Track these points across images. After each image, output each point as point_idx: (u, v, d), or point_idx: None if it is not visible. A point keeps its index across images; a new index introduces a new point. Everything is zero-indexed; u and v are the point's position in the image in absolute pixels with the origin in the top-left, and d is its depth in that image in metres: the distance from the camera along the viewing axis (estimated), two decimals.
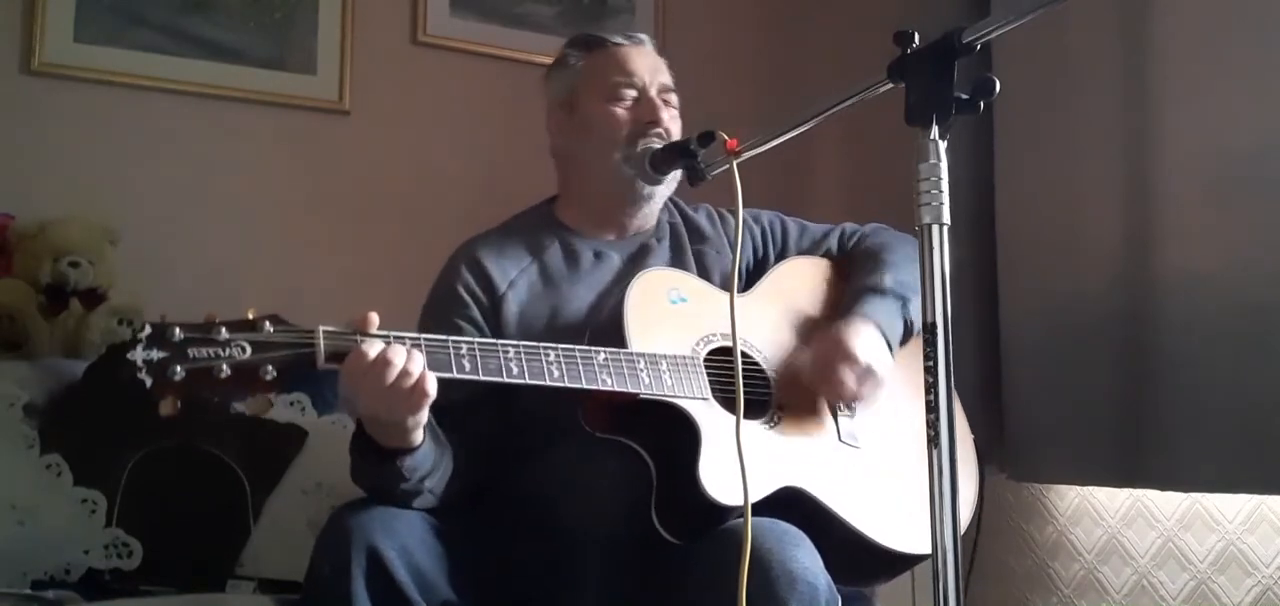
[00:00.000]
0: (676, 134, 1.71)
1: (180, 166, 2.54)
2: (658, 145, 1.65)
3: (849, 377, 1.56)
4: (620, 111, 1.69)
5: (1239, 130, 1.95)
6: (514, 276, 1.65)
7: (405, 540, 1.38)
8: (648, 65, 1.72)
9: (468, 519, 1.52)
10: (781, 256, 1.80)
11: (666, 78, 1.75)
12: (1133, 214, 2.12)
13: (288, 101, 2.65)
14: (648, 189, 1.68)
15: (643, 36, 1.78)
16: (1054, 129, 2.26)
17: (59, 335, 2.23)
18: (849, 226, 1.87)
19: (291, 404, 2.20)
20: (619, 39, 1.75)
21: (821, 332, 1.63)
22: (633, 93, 1.70)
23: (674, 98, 1.74)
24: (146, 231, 2.39)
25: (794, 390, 1.61)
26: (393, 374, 1.26)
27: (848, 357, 1.56)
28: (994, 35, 1.10)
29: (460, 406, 1.50)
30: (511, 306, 1.61)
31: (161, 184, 2.51)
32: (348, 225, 2.65)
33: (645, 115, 1.68)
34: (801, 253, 1.82)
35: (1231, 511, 2.07)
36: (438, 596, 1.40)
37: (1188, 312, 1.99)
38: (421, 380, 1.28)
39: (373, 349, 1.26)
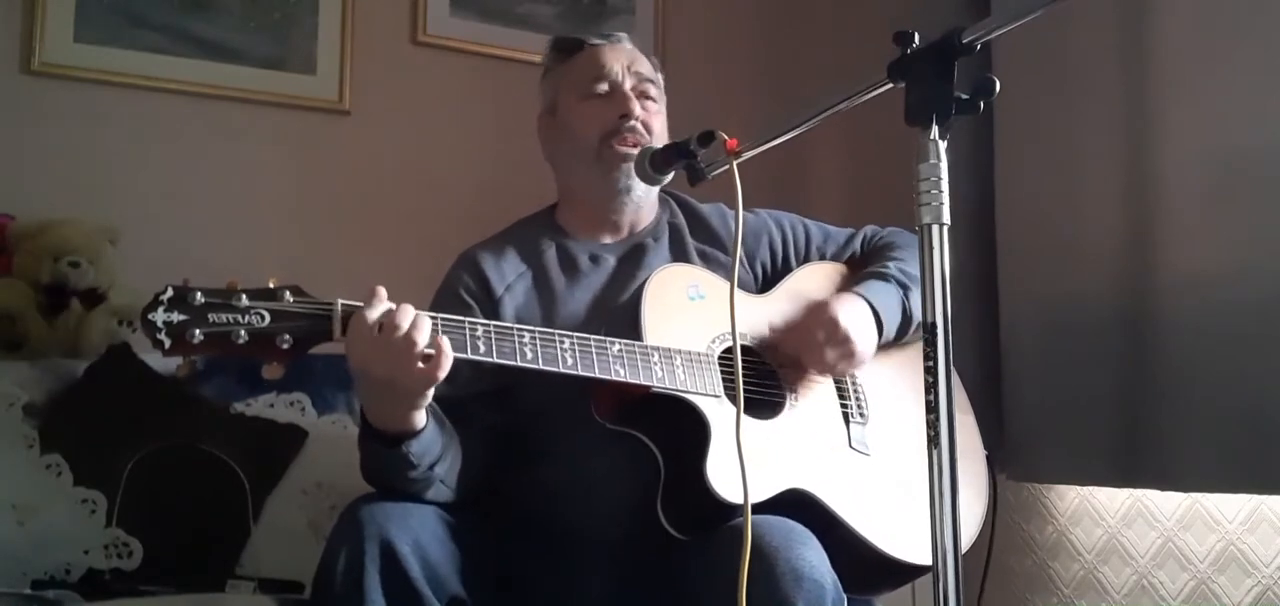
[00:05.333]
0: (657, 126, 1.71)
1: (180, 166, 2.54)
2: (632, 140, 1.65)
3: (820, 337, 1.56)
4: (591, 107, 1.69)
5: (1239, 130, 1.95)
6: (511, 281, 1.66)
7: (418, 534, 1.39)
8: (622, 60, 1.72)
9: (478, 516, 1.52)
10: (803, 260, 1.80)
11: (645, 69, 1.74)
12: (1133, 214, 2.11)
13: (288, 101, 2.65)
14: (625, 181, 1.67)
15: (620, 35, 1.77)
16: (1054, 129, 2.26)
17: (59, 335, 2.23)
18: (871, 228, 1.87)
19: (291, 404, 2.20)
20: (595, 39, 1.74)
21: (810, 306, 1.63)
22: (604, 87, 1.69)
23: (654, 89, 1.73)
24: (146, 231, 2.39)
25: (806, 393, 1.61)
26: (399, 333, 1.27)
27: (826, 323, 1.57)
28: (994, 35, 1.10)
29: (469, 401, 1.51)
30: (508, 310, 1.62)
31: (161, 184, 2.51)
32: (347, 225, 2.65)
33: (618, 109, 1.68)
34: (824, 256, 1.82)
35: (1231, 511, 2.07)
36: (448, 591, 1.41)
37: (1188, 313, 1.99)
38: (438, 351, 1.28)
39: (378, 310, 1.28)
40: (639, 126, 1.67)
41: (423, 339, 1.28)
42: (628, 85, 1.70)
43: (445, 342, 1.30)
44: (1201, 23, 2.00)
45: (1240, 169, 1.94)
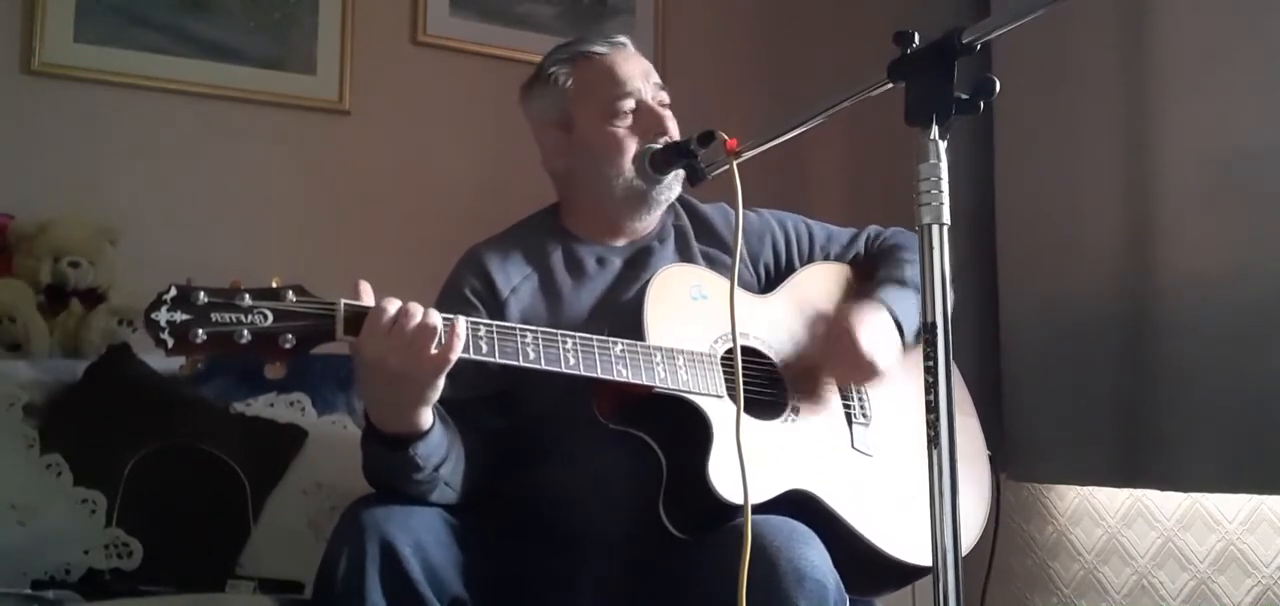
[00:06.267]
0: (676, 133, 1.68)
1: (180, 166, 2.54)
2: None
3: (849, 354, 1.56)
4: (623, 128, 1.66)
5: (1239, 130, 1.95)
6: (517, 282, 1.65)
7: (419, 536, 1.39)
8: (639, 70, 1.69)
9: (480, 517, 1.52)
10: (807, 260, 1.80)
11: (656, 76, 1.72)
12: (1133, 214, 2.12)
13: (288, 101, 2.65)
14: (661, 193, 1.67)
15: (623, 40, 1.73)
16: (1054, 129, 2.27)
17: (59, 335, 2.24)
18: (873, 229, 1.86)
19: (291, 404, 2.20)
20: (601, 47, 1.70)
21: (834, 318, 1.62)
22: (630, 104, 1.66)
23: (665, 94, 1.71)
24: (146, 231, 2.39)
25: (810, 394, 1.61)
26: (413, 322, 1.28)
27: (850, 337, 1.56)
28: (994, 35, 1.10)
29: (472, 404, 1.51)
30: (513, 311, 1.61)
31: (161, 184, 2.51)
32: (347, 225, 2.65)
33: (651, 127, 1.65)
34: (827, 256, 1.81)
35: (1231, 511, 2.07)
36: (449, 592, 1.41)
37: (1188, 313, 1.99)
38: (451, 333, 1.29)
39: (392, 304, 1.29)
40: (671, 138, 1.65)
41: (434, 324, 1.29)
42: (650, 98, 1.67)
43: (460, 323, 1.31)
44: (1201, 23, 2.00)
45: (1240, 169, 1.94)
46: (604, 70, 1.68)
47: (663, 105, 1.69)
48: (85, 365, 2.13)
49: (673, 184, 1.68)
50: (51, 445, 1.93)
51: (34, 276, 2.25)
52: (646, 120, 1.65)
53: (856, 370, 1.58)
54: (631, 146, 1.65)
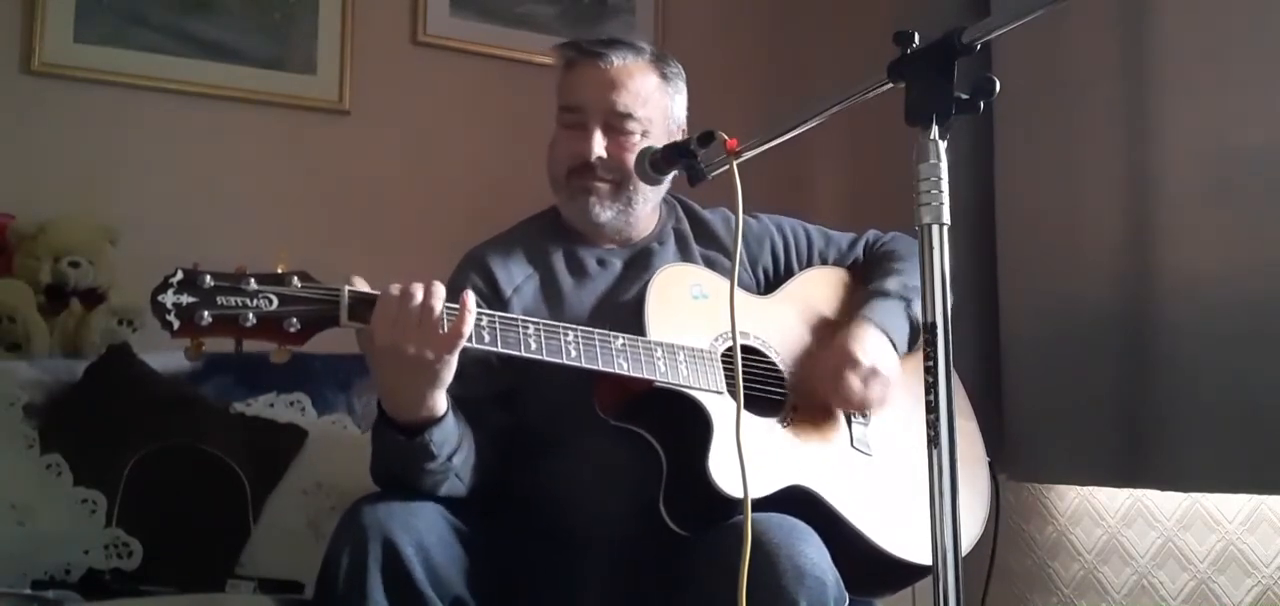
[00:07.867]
0: (630, 160, 1.63)
1: (180, 166, 2.54)
2: (592, 177, 1.63)
3: (855, 382, 1.56)
4: (562, 138, 1.68)
5: (1239, 130, 1.95)
6: (519, 282, 1.66)
7: (422, 535, 1.39)
8: (596, 88, 1.65)
9: (482, 517, 1.52)
10: (806, 264, 1.81)
11: (624, 100, 1.64)
12: (1133, 214, 2.12)
13: (288, 101, 2.65)
14: (594, 213, 1.65)
15: (611, 55, 1.65)
16: (1054, 129, 2.26)
17: (59, 335, 2.24)
18: (872, 233, 1.87)
19: (291, 404, 2.20)
20: (587, 52, 1.67)
21: (828, 343, 1.62)
22: (574, 117, 1.66)
23: (631, 121, 1.64)
24: (146, 231, 2.39)
25: (808, 394, 1.61)
26: (416, 300, 1.29)
27: (852, 363, 1.57)
28: (994, 35, 1.10)
29: (476, 402, 1.51)
30: (516, 310, 1.62)
31: (161, 184, 2.51)
32: (348, 225, 2.65)
33: (578, 147, 1.64)
34: (826, 261, 1.82)
35: (1231, 511, 2.07)
36: (451, 592, 1.41)
37: (1188, 312, 1.99)
38: (461, 308, 1.30)
39: (395, 287, 1.30)
40: (598, 167, 1.64)
41: (441, 302, 1.30)
42: (595, 121, 1.64)
43: (469, 296, 1.32)
44: (1201, 23, 2.00)
45: (1240, 169, 1.94)
46: (567, 80, 1.69)
47: (614, 129, 1.65)
48: (85, 365, 2.13)
49: (663, 185, 1.67)
50: (51, 445, 1.93)
51: (34, 276, 2.25)
52: (578, 137, 1.65)
53: (875, 389, 1.58)
54: (562, 154, 1.67)
